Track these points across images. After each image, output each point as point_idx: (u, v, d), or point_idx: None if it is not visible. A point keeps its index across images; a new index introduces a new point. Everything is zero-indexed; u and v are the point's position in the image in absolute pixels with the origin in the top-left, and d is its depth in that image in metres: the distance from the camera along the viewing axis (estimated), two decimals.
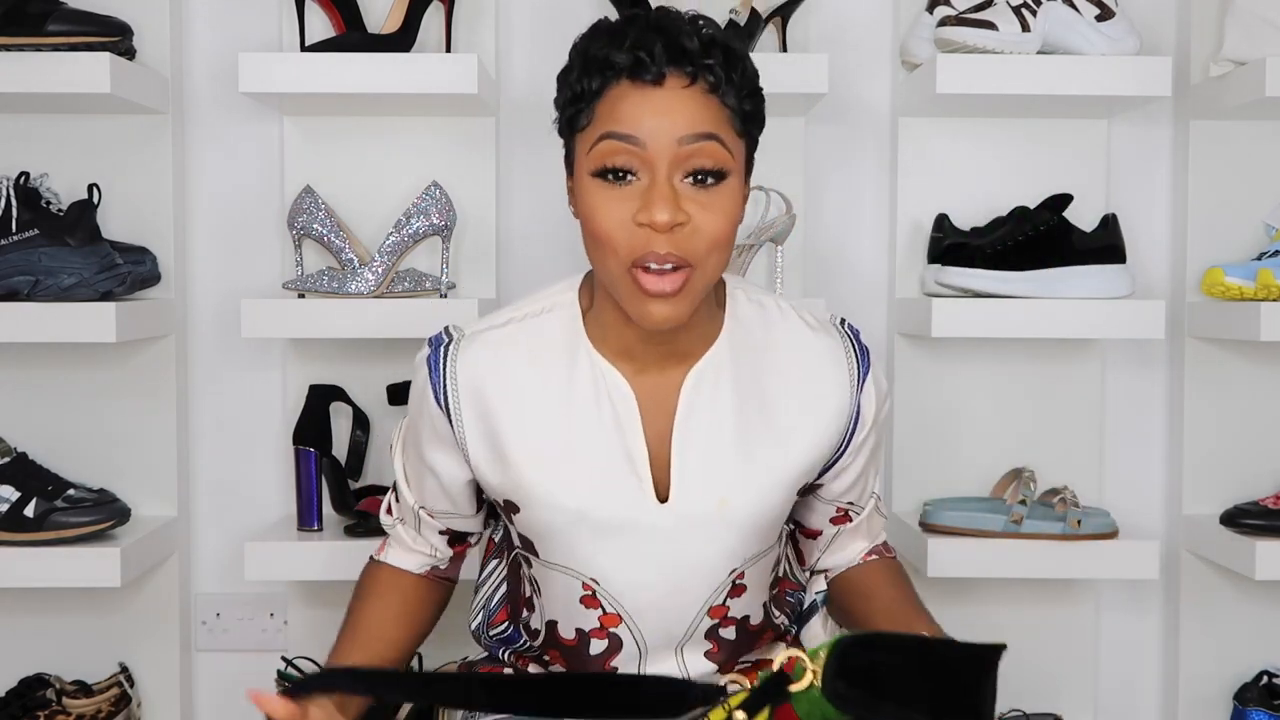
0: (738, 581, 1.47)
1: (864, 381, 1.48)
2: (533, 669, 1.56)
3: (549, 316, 1.45)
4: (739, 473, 1.43)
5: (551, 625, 1.49)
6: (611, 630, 1.46)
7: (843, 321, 1.53)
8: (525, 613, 1.54)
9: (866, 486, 1.57)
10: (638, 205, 1.31)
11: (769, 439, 1.44)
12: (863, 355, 1.49)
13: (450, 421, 1.43)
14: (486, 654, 1.64)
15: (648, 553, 1.43)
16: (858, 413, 1.48)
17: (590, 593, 1.44)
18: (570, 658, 1.50)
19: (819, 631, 1.60)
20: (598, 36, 1.36)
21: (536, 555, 1.47)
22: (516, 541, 1.51)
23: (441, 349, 1.44)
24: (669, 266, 1.31)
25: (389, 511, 1.60)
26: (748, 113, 1.36)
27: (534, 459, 1.41)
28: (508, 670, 1.59)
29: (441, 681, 1.41)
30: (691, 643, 1.48)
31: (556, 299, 1.46)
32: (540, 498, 1.41)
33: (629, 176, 1.32)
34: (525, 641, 1.56)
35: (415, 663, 2.17)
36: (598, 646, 1.47)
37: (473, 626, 1.63)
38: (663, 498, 1.42)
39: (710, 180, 1.32)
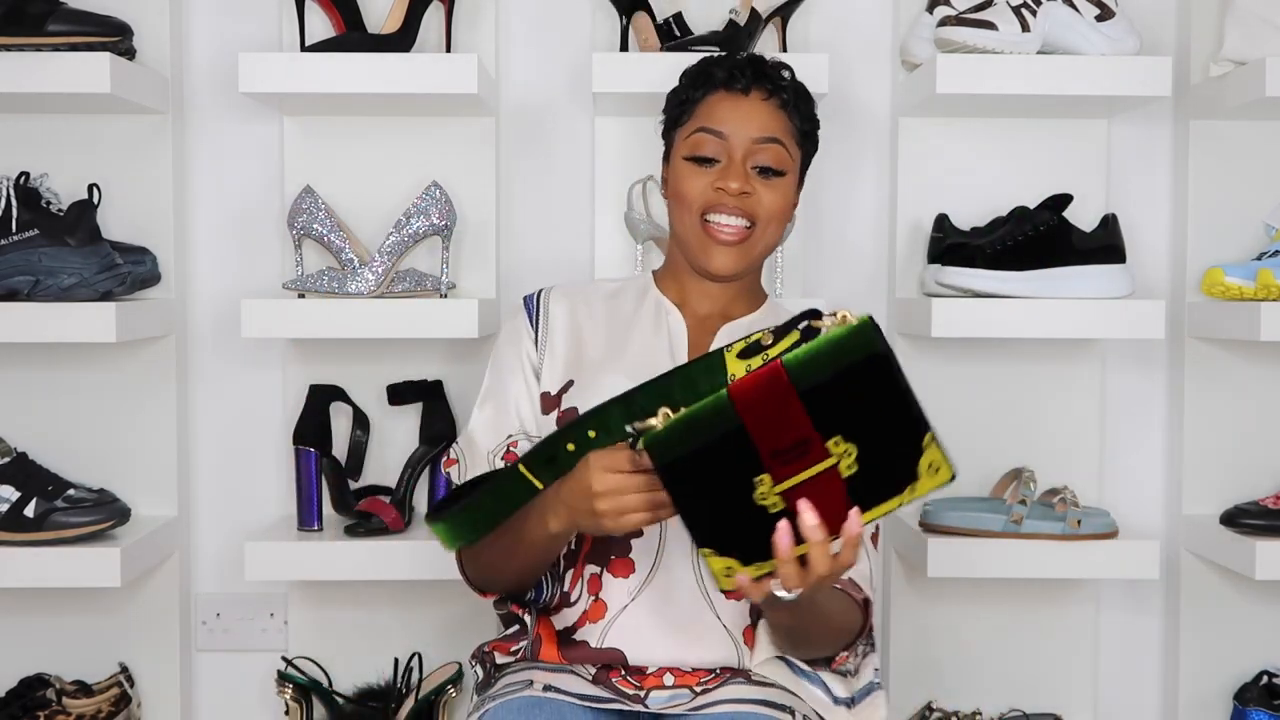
0: None
1: None
2: (556, 619, 1.65)
3: (625, 282, 1.83)
4: None
5: None
6: None
7: None
8: None
9: None
10: (716, 179, 1.69)
11: None
12: None
13: (536, 333, 1.74)
14: (503, 634, 1.71)
15: None
16: None
17: None
18: None
19: (763, 636, 1.63)
20: (703, 62, 1.76)
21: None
22: (552, 424, 1.66)
23: (537, 292, 1.79)
24: (738, 220, 1.68)
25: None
26: (805, 132, 1.75)
27: (600, 346, 1.73)
28: (522, 644, 1.67)
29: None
30: None
31: (631, 277, 1.87)
32: (598, 375, 1.68)
33: (713, 163, 1.70)
34: (545, 594, 1.66)
35: (415, 661, 2.18)
36: None
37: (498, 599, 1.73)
38: None
39: (772, 175, 1.70)
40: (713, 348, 1.69)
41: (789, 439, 1.28)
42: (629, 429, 1.39)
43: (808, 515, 1.30)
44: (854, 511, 1.30)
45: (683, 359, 1.70)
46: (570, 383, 1.70)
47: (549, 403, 1.70)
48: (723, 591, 1.33)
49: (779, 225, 1.72)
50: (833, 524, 1.30)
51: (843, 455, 1.28)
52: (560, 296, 1.77)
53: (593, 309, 1.76)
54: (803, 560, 1.33)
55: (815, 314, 1.42)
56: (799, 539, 1.31)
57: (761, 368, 1.31)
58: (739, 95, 1.71)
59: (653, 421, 1.33)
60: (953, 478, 1.30)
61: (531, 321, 1.76)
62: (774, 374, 1.29)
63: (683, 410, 1.32)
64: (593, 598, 1.63)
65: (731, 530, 1.32)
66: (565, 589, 1.65)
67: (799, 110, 1.74)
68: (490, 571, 1.66)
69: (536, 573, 1.63)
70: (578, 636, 1.63)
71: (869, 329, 1.29)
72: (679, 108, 1.75)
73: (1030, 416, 2.26)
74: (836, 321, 1.31)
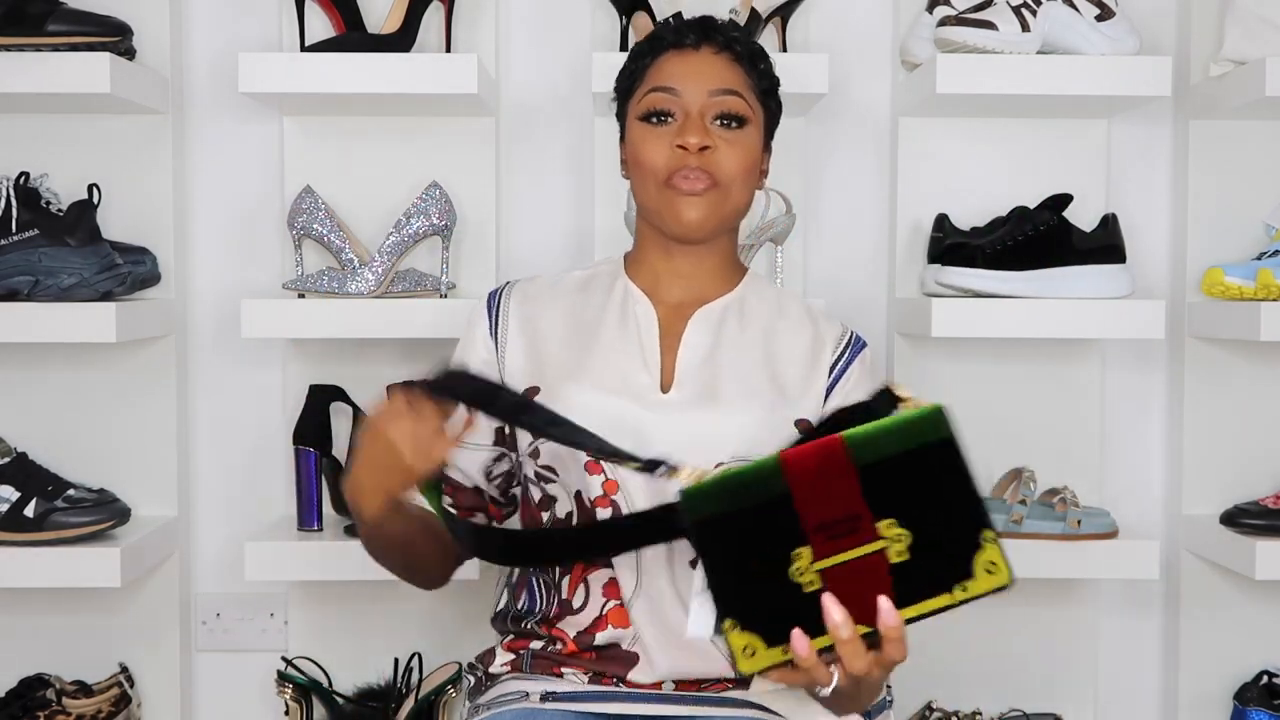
0: None
1: (850, 353, 1.67)
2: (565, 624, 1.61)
3: (597, 268, 1.74)
4: (732, 385, 1.60)
5: (578, 497, 1.59)
6: (613, 497, 1.56)
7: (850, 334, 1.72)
8: (547, 516, 1.62)
9: None
10: (675, 136, 1.60)
11: (763, 375, 1.62)
12: (857, 339, 1.69)
13: (495, 338, 1.67)
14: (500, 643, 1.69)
15: (645, 426, 1.55)
16: (837, 379, 1.64)
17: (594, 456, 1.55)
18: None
19: None
20: (652, 32, 1.70)
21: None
22: (529, 437, 1.61)
23: (500, 288, 1.72)
24: (700, 182, 1.58)
25: None
26: (765, 90, 1.67)
27: (564, 347, 1.64)
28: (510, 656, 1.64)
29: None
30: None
31: (605, 260, 1.76)
32: (563, 377, 1.61)
33: (668, 118, 1.61)
34: (541, 605, 1.61)
35: (415, 661, 2.18)
36: (603, 516, 1.56)
37: (497, 609, 1.70)
38: (666, 391, 1.61)
39: (734, 124, 1.62)
40: (685, 335, 1.63)
41: (838, 512, 1.19)
42: (666, 465, 1.29)
43: (834, 611, 1.19)
44: (885, 602, 1.20)
45: (653, 351, 1.62)
46: (535, 389, 1.61)
47: None
48: (742, 674, 1.20)
49: (744, 184, 1.62)
50: (869, 615, 1.20)
51: (894, 540, 1.20)
52: (521, 297, 1.69)
53: (556, 308, 1.68)
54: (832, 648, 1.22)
55: (889, 394, 1.33)
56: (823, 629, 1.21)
57: (818, 440, 1.22)
58: (689, 51, 1.63)
59: (695, 471, 1.25)
60: (1011, 583, 1.21)
61: (491, 325, 1.68)
62: (830, 447, 1.20)
63: (726, 468, 1.24)
64: (614, 602, 1.57)
65: (758, 605, 1.20)
66: (565, 596, 1.59)
67: (755, 66, 1.65)
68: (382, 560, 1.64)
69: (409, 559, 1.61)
70: (598, 641, 1.57)
71: (941, 414, 1.23)
72: (629, 78, 1.68)
73: (1030, 416, 2.26)
74: (906, 406, 1.26)
